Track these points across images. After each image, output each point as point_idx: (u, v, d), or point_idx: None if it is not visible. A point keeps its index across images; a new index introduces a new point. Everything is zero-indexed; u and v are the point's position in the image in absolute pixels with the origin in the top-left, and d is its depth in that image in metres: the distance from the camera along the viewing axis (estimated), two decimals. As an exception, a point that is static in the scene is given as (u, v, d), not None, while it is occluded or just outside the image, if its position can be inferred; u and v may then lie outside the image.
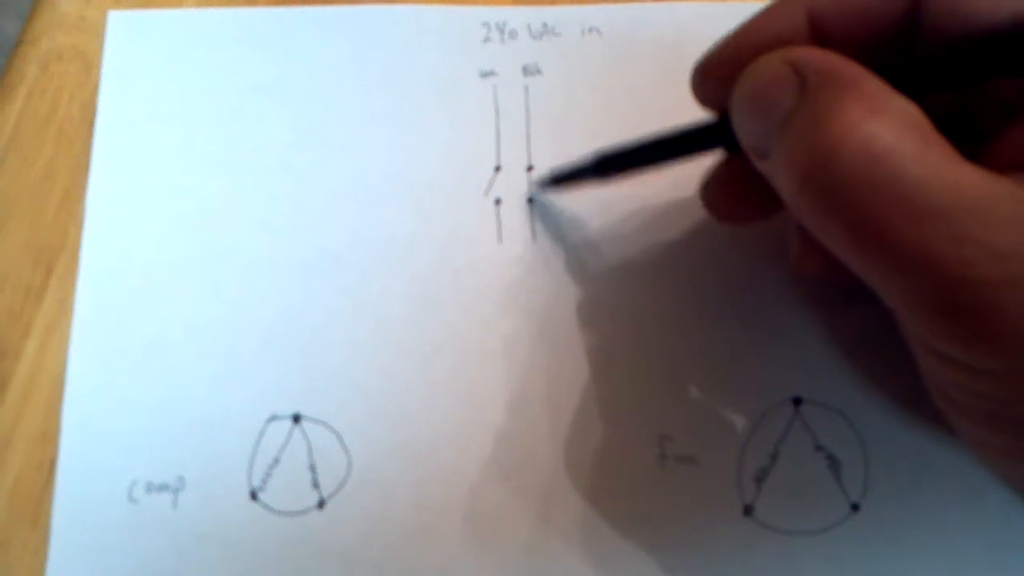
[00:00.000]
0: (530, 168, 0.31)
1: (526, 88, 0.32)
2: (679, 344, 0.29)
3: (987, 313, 0.17)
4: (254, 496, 0.28)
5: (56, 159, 0.32)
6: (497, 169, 0.31)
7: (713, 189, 0.27)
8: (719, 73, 0.23)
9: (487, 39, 0.33)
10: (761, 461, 0.27)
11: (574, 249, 0.30)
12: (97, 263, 0.30)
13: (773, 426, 0.28)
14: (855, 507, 0.27)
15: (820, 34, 0.23)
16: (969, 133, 0.22)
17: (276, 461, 0.28)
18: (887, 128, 0.18)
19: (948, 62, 0.20)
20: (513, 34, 0.33)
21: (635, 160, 0.26)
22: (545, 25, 0.33)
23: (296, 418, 0.28)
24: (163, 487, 0.28)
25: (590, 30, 0.33)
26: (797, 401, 0.28)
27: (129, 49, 0.33)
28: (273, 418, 0.28)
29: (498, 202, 0.31)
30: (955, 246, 0.17)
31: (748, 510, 0.27)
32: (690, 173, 0.30)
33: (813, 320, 0.29)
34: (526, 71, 0.32)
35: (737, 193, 0.26)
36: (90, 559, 0.27)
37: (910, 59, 0.21)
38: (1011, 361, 0.18)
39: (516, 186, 0.31)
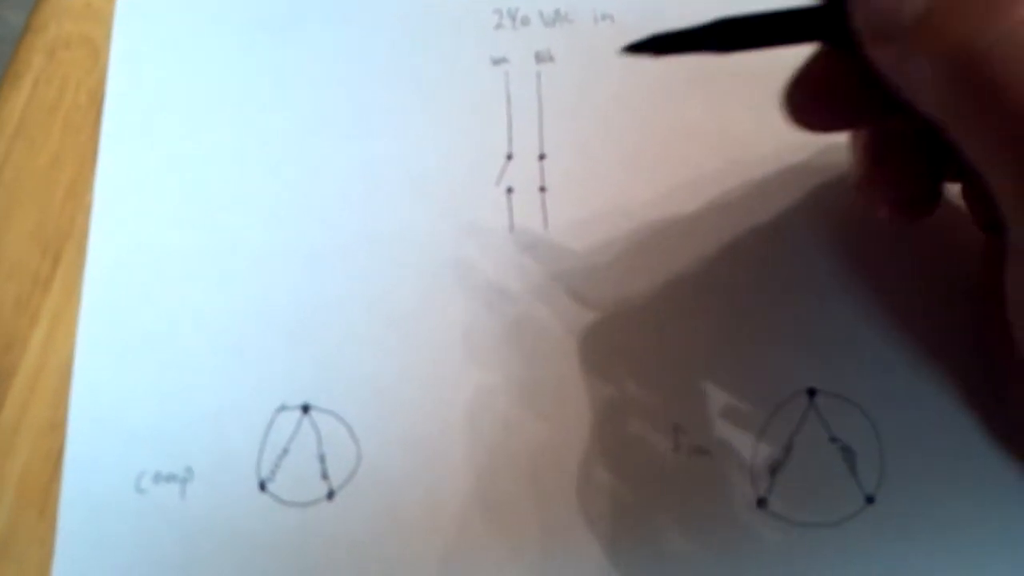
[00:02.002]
0: (542, 157, 0.31)
1: (538, 75, 0.32)
2: (692, 335, 0.28)
3: None
4: (263, 487, 0.27)
5: (63, 147, 0.32)
6: (509, 157, 0.31)
7: (802, 89, 0.23)
8: None
9: (499, 26, 0.33)
10: (775, 453, 0.27)
11: (586, 238, 0.30)
12: (104, 252, 0.30)
13: (787, 417, 0.27)
14: (870, 499, 0.27)
15: None
16: None
17: (285, 452, 0.28)
18: None
19: None
20: (525, 21, 0.33)
21: (757, 32, 0.23)
22: (558, 12, 0.33)
23: (305, 408, 0.28)
24: (171, 477, 0.27)
25: (603, 17, 0.32)
26: (812, 392, 0.28)
27: (137, 36, 0.33)
28: (282, 408, 0.28)
29: (510, 191, 0.30)
30: None
31: (762, 502, 0.27)
32: (706, 166, 0.30)
33: (828, 311, 0.28)
34: (538, 58, 0.32)
35: (828, 94, 0.23)
36: (97, 549, 0.27)
37: None
38: None
39: (528, 175, 0.31)
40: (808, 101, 0.24)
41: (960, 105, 0.18)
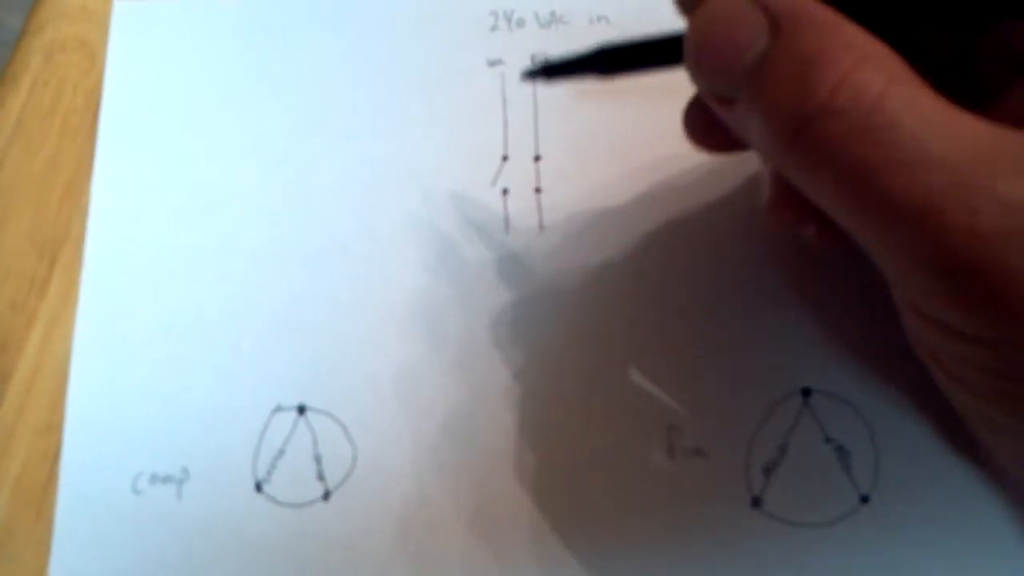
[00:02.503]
0: (538, 158, 0.31)
1: (534, 77, 0.32)
2: (687, 335, 0.28)
3: (992, 271, 0.16)
4: (259, 488, 0.27)
5: (60, 150, 0.32)
6: (504, 159, 0.31)
7: (694, 114, 0.24)
8: None
9: (495, 27, 0.33)
10: (770, 453, 0.27)
11: (581, 239, 0.30)
12: (101, 254, 0.30)
13: (782, 417, 0.27)
14: (865, 499, 0.27)
15: None
16: (965, 87, 0.21)
17: (281, 452, 0.28)
18: (877, 75, 0.17)
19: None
20: (521, 22, 0.33)
21: (638, 57, 0.24)
22: (553, 13, 0.33)
23: (301, 409, 0.28)
24: (167, 478, 0.27)
25: (598, 18, 0.32)
26: (806, 392, 0.28)
27: (133, 39, 0.33)
28: (278, 409, 0.28)
29: (505, 192, 0.30)
30: (960, 195, 0.16)
31: (757, 502, 0.27)
32: (700, 166, 0.30)
33: (822, 310, 0.28)
34: (534, 60, 0.32)
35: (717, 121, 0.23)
36: (94, 550, 0.27)
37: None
38: (1014, 329, 0.16)
39: (524, 176, 0.31)
40: (702, 125, 0.24)
41: (794, 166, 0.18)
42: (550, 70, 0.26)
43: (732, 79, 0.19)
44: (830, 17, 0.18)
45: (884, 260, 0.18)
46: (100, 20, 0.34)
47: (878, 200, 0.17)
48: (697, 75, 0.20)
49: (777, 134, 0.18)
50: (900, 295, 0.19)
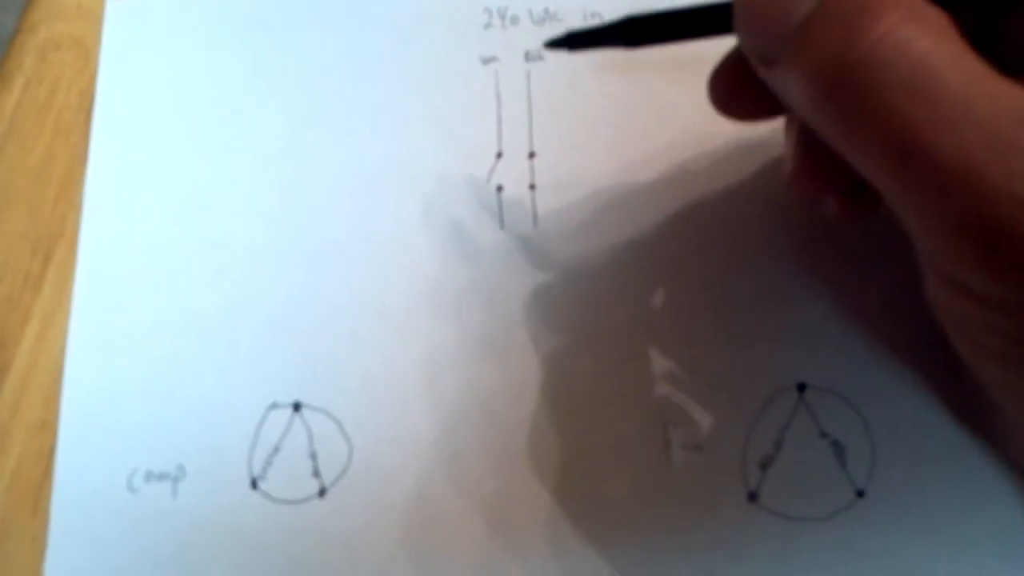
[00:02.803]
0: (532, 155, 0.31)
1: (528, 74, 0.32)
2: (683, 331, 0.28)
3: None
4: (254, 485, 0.27)
5: (54, 147, 0.32)
6: (499, 156, 0.31)
7: (724, 78, 0.24)
8: None
9: (488, 25, 0.33)
10: (766, 448, 0.27)
11: (576, 236, 0.30)
12: (95, 251, 0.30)
13: (778, 413, 0.27)
14: (860, 493, 0.27)
15: None
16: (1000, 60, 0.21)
17: (276, 449, 0.28)
18: (925, 32, 0.17)
19: None
20: (515, 20, 0.33)
21: (666, 28, 0.24)
22: (547, 11, 0.33)
23: (297, 406, 0.28)
24: (163, 476, 0.27)
25: (592, 15, 0.32)
26: (802, 387, 0.28)
27: (127, 37, 0.33)
28: (273, 406, 0.28)
29: (500, 189, 0.30)
30: (1000, 157, 0.16)
31: (753, 497, 0.27)
32: (695, 163, 0.30)
33: (817, 306, 0.28)
34: (528, 57, 0.32)
35: (748, 85, 0.23)
36: (90, 548, 0.27)
37: None
38: None
39: (518, 173, 0.31)
40: (729, 90, 0.24)
41: (832, 121, 0.18)
42: (574, 40, 0.25)
43: (779, 39, 0.19)
44: None
45: (916, 221, 0.18)
46: (94, 18, 0.33)
47: (918, 157, 0.17)
48: (744, 35, 0.20)
49: (818, 86, 0.18)
50: (928, 260, 0.19)
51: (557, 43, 0.26)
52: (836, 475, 0.27)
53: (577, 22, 0.32)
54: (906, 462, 0.27)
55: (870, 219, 0.24)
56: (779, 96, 0.20)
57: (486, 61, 0.32)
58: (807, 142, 0.23)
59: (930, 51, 0.16)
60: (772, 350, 0.28)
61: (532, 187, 0.30)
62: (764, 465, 0.27)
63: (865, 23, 0.17)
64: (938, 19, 0.17)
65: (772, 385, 0.28)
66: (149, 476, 0.27)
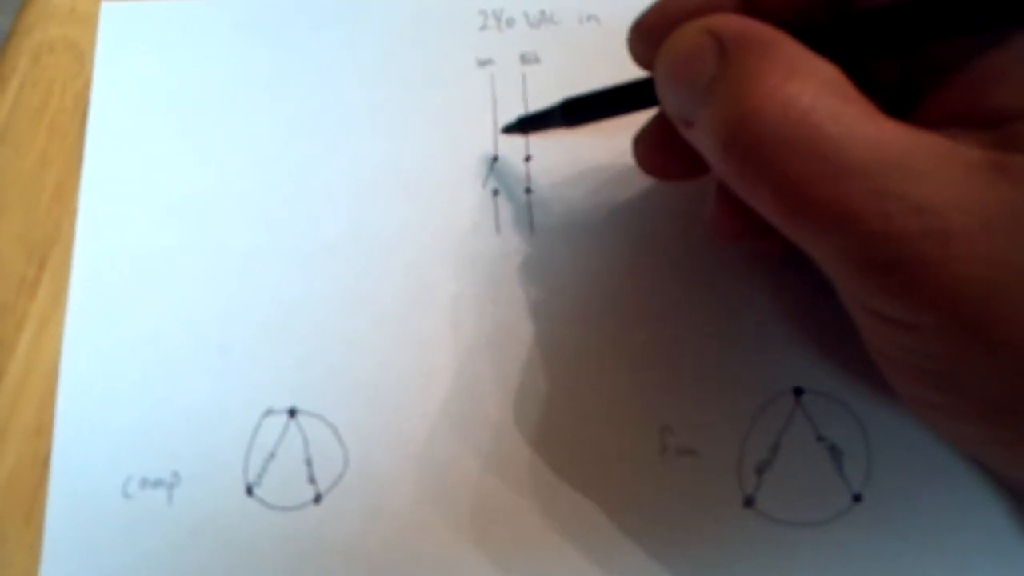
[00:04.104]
0: (528, 158, 0.31)
1: (524, 77, 0.32)
2: (679, 335, 0.28)
3: (910, 266, 0.17)
4: (250, 491, 0.27)
5: (49, 151, 0.32)
6: (495, 159, 0.31)
7: (644, 143, 0.27)
8: (650, 36, 0.23)
9: (484, 27, 0.33)
10: (762, 452, 0.27)
11: (573, 240, 0.30)
12: (91, 256, 0.30)
13: (774, 417, 0.27)
14: (857, 498, 0.27)
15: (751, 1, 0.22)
16: (912, 94, 0.22)
17: (272, 455, 0.28)
18: (804, 88, 0.18)
19: (880, 25, 0.20)
20: (511, 22, 0.33)
21: (597, 107, 0.27)
22: (543, 13, 0.33)
23: (292, 412, 0.28)
24: (158, 482, 0.27)
25: (588, 18, 0.32)
26: (798, 391, 0.28)
27: (122, 40, 0.33)
28: (269, 412, 0.28)
29: (496, 192, 0.30)
30: (875, 201, 0.17)
31: (749, 501, 0.27)
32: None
33: (813, 309, 0.28)
34: (524, 59, 0.32)
35: (667, 149, 0.26)
36: (84, 555, 0.27)
37: (842, 23, 0.21)
38: (939, 315, 0.18)
39: (514, 176, 0.31)
40: (650, 155, 0.27)
41: (732, 175, 0.20)
42: (525, 124, 0.29)
43: (691, 101, 0.20)
44: (770, 37, 0.19)
45: (822, 260, 0.20)
46: (88, 21, 0.33)
47: (805, 208, 0.18)
48: (664, 101, 0.22)
49: (717, 144, 0.19)
50: (839, 289, 0.21)
51: (511, 128, 0.30)
52: (833, 479, 0.27)
53: (572, 24, 0.32)
54: (903, 466, 0.27)
55: None
56: (701, 154, 0.21)
57: (482, 63, 0.32)
58: (724, 191, 0.25)
59: (811, 108, 0.18)
60: (769, 354, 0.28)
61: (528, 191, 0.30)
62: (760, 470, 0.27)
63: (751, 85, 0.18)
64: (821, 72, 0.19)
65: (769, 389, 0.28)
66: (144, 482, 0.27)
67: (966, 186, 0.17)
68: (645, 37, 0.24)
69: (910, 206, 0.17)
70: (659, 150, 0.26)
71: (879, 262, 0.18)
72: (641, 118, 0.26)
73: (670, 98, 0.22)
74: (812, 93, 0.18)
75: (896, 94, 0.20)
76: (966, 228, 0.17)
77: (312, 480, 0.27)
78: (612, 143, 0.30)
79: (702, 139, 0.21)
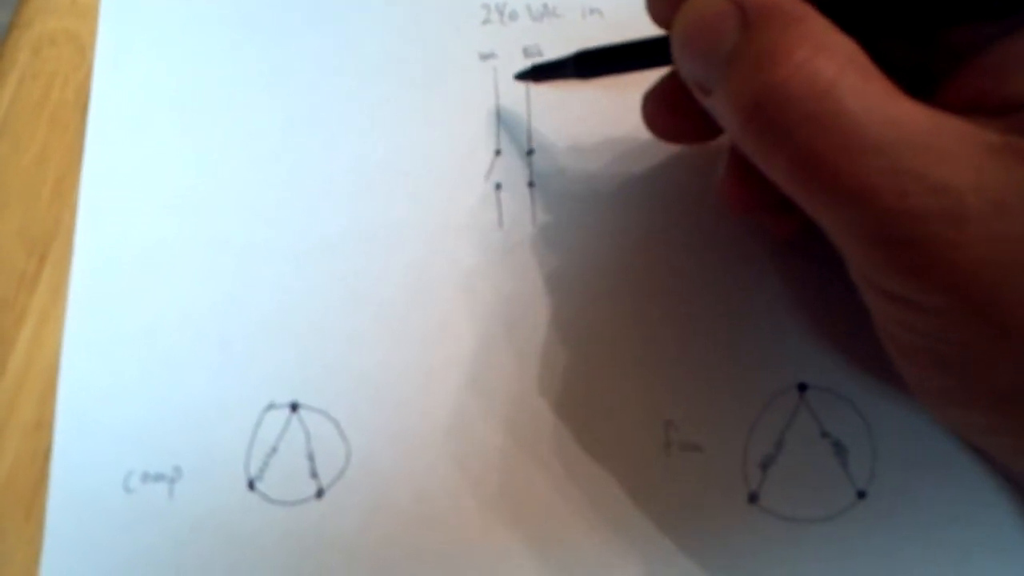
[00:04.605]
0: (531, 152, 0.31)
1: (527, 70, 0.32)
2: (683, 330, 0.28)
3: (924, 245, 0.18)
4: (251, 486, 0.27)
5: (49, 145, 0.31)
6: (497, 153, 0.31)
7: (654, 102, 0.26)
8: None
9: (487, 21, 0.32)
10: (766, 448, 0.27)
11: (575, 234, 0.29)
12: (91, 250, 0.30)
13: (779, 413, 0.27)
14: (861, 494, 0.26)
15: None
16: (927, 81, 0.22)
17: (274, 450, 0.27)
18: (829, 64, 0.18)
19: (901, 5, 0.20)
20: (513, 15, 0.32)
21: (611, 61, 0.26)
22: (546, 6, 0.32)
23: (294, 406, 0.28)
24: (159, 477, 0.27)
25: (591, 11, 0.32)
26: (803, 387, 0.27)
27: (123, 33, 0.33)
28: (271, 406, 0.28)
29: (498, 187, 0.30)
30: (892, 178, 0.17)
31: (753, 497, 0.27)
32: (695, 160, 0.30)
33: (819, 305, 0.28)
34: (527, 53, 0.32)
35: (678, 109, 0.26)
36: (85, 550, 0.26)
37: (864, 1, 0.21)
38: (950, 297, 0.18)
39: (517, 170, 0.30)
40: (659, 114, 0.26)
41: (752, 146, 0.20)
42: (538, 72, 0.29)
43: (711, 70, 0.20)
44: (797, 11, 0.19)
45: (835, 235, 0.20)
46: (89, 13, 0.33)
47: (823, 181, 0.18)
48: (681, 66, 0.22)
49: (738, 115, 0.20)
50: (850, 266, 0.21)
51: (523, 75, 0.30)
52: (837, 476, 0.27)
53: (575, 18, 0.32)
54: (908, 463, 0.27)
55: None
56: (718, 121, 0.21)
57: (484, 57, 0.32)
58: (737, 160, 0.25)
59: (834, 83, 0.18)
60: (773, 350, 0.28)
61: (531, 184, 0.30)
62: (765, 466, 0.27)
63: (778, 58, 0.19)
64: (845, 49, 0.19)
65: (773, 385, 0.28)
66: (145, 477, 0.27)
67: (983, 169, 0.17)
68: None
69: (927, 185, 0.17)
70: (670, 110, 0.26)
71: (893, 239, 0.18)
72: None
73: (686, 63, 0.22)
74: (836, 68, 0.18)
75: (910, 80, 0.20)
76: (982, 211, 0.17)
77: (314, 475, 0.27)
78: (615, 139, 0.30)
79: (720, 108, 0.21)
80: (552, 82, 0.30)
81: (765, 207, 0.25)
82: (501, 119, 0.31)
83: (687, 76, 0.22)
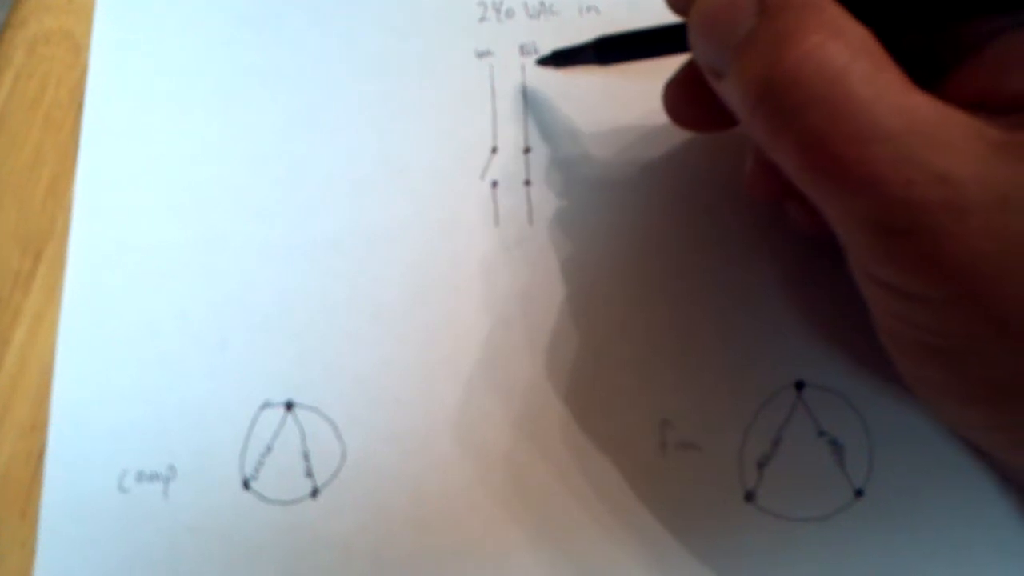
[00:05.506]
0: (527, 150, 0.30)
1: (523, 68, 0.32)
2: (679, 329, 0.28)
3: (926, 235, 0.18)
4: (246, 485, 0.27)
5: (44, 144, 0.31)
6: (494, 151, 0.31)
7: (675, 89, 0.26)
8: None
9: (483, 18, 0.32)
10: (763, 447, 0.27)
11: (572, 232, 0.29)
12: (86, 250, 0.30)
13: (775, 411, 0.27)
14: (859, 493, 0.26)
15: None
16: (935, 70, 0.22)
17: (269, 449, 0.27)
18: (843, 50, 0.18)
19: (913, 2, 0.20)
20: (510, 13, 0.32)
21: (631, 47, 0.27)
22: (542, 4, 0.32)
23: (289, 405, 0.28)
24: (154, 476, 0.27)
25: (588, 9, 0.32)
26: (800, 386, 0.27)
27: (118, 32, 0.33)
28: (266, 405, 0.28)
29: (495, 184, 0.30)
30: (899, 167, 0.17)
31: (750, 496, 0.27)
32: (691, 159, 0.30)
33: (815, 303, 0.28)
34: (523, 51, 0.32)
35: (698, 97, 0.25)
36: (80, 550, 0.26)
37: None
38: (950, 288, 0.18)
39: (513, 168, 0.30)
40: (681, 102, 0.26)
41: (760, 131, 0.20)
42: (559, 58, 0.29)
43: (725, 54, 0.20)
44: None
45: (836, 223, 0.20)
46: (84, 12, 0.33)
47: (829, 166, 0.18)
48: (697, 51, 0.22)
49: (748, 99, 0.20)
50: (849, 255, 0.21)
51: (545, 61, 0.30)
52: (834, 474, 0.27)
53: (573, 16, 0.32)
54: (905, 461, 0.27)
55: None
56: (730, 107, 0.22)
57: (481, 55, 0.32)
58: (760, 149, 0.25)
59: (846, 69, 0.18)
60: (770, 348, 0.28)
61: (527, 183, 0.30)
62: (761, 464, 0.27)
63: (791, 42, 0.19)
64: (859, 37, 0.19)
65: (770, 383, 0.27)
66: (140, 477, 0.27)
67: (988, 163, 0.17)
68: None
69: (933, 175, 0.17)
70: (690, 98, 0.26)
71: (895, 228, 0.18)
72: (649, 92, 0.26)
73: (702, 47, 0.22)
74: (849, 55, 0.18)
75: (918, 68, 0.20)
76: (985, 204, 0.17)
77: (309, 474, 0.27)
78: (612, 137, 0.30)
79: (732, 91, 0.21)
80: (572, 68, 0.30)
81: (790, 196, 0.25)
82: (497, 117, 0.31)
83: (702, 60, 0.22)
